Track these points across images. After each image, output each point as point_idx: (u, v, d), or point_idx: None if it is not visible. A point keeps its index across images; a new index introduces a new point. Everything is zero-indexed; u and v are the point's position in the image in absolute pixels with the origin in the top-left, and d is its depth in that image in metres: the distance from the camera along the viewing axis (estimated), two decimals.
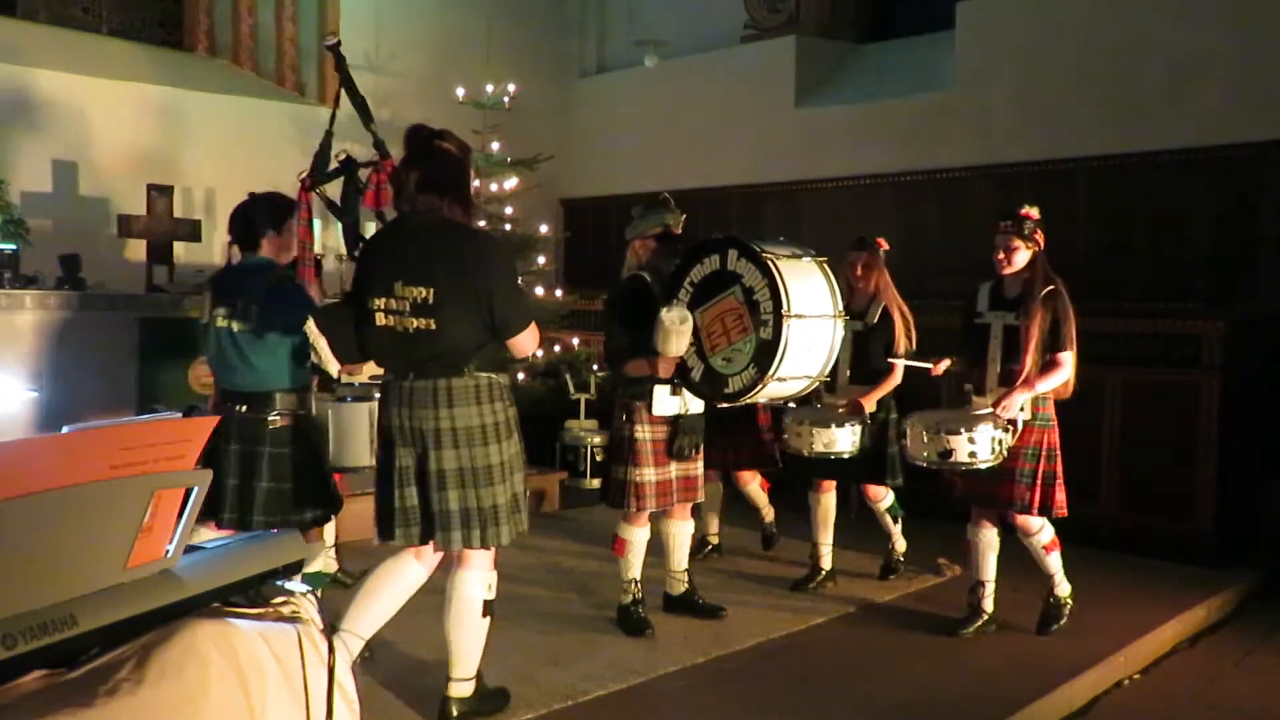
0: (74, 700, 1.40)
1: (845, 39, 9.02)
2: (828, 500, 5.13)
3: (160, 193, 6.88)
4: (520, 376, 7.78)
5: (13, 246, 5.86)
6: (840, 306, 4.11)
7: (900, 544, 5.27)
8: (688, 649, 4.18)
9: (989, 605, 4.51)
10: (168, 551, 1.60)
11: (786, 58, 8.68)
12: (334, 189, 4.56)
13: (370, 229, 4.40)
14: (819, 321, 4.02)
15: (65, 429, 1.44)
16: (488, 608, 3.36)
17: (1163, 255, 6.56)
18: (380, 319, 3.17)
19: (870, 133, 8.12)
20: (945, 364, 4.71)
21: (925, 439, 4.26)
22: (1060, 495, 4.30)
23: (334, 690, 1.77)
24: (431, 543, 3.27)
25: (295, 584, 1.81)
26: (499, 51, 8.77)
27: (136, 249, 6.92)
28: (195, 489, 1.60)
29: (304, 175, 4.41)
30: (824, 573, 5.12)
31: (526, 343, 3.25)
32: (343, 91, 4.68)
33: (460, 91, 8.02)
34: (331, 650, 1.79)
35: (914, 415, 4.40)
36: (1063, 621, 4.50)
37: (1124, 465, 5.84)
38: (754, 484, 5.66)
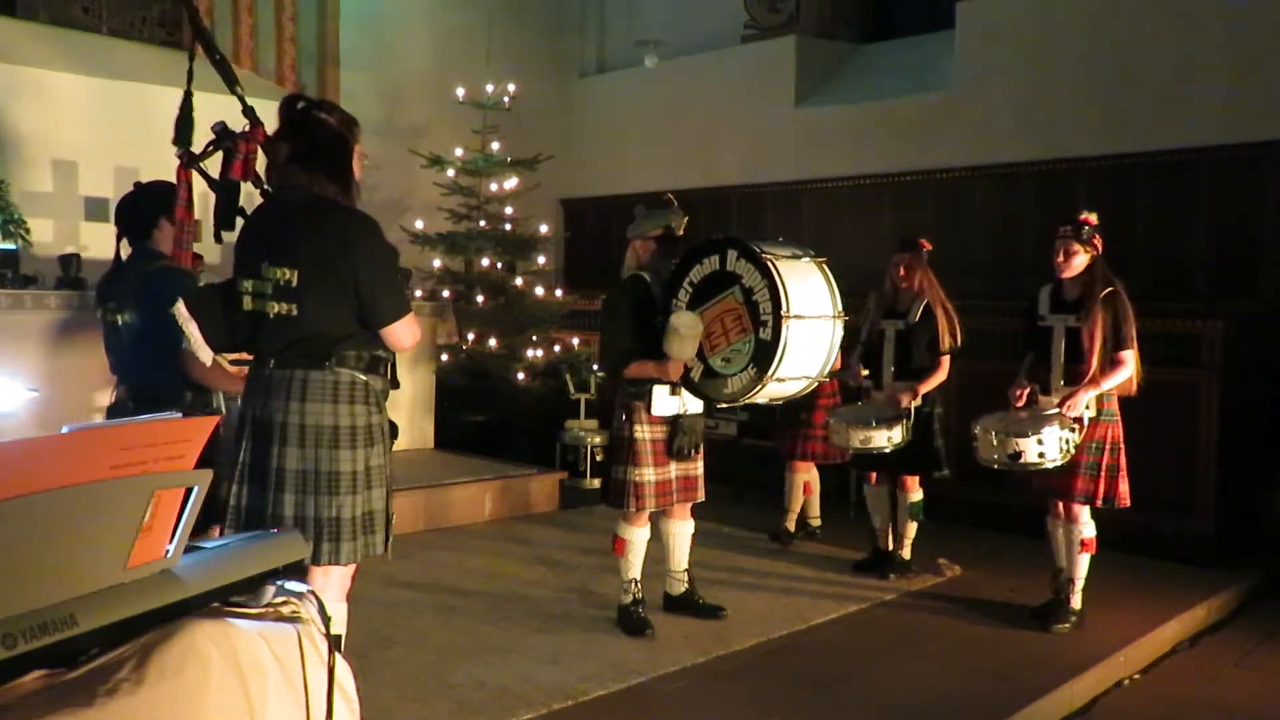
0: (74, 700, 1.40)
1: (845, 39, 9.02)
2: (875, 492, 5.31)
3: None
4: (520, 376, 7.79)
5: (13, 246, 5.85)
6: (840, 307, 4.11)
7: (906, 551, 5.28)
8: (688, 649, 4.18)
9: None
10: (168, 551, 1.60)
11: (786, 58, 8.68)
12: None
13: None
14: (818, 322, 4.03)
15: (65, 429, 1.43)
16: (335, 644, 2.93)
17: (1163, 255, 6.56)
18: (247, 302, 2.91)
19: (870, 133, 8.12)
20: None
21: (995, 442, 4.37)
22: (1123, 487, 4.43)
23: (334, 690, 1.77)
24: None
25: (295, 584, 1.81)
26: (499, 51, 8.76)
27: None
28: (195, 489, 1.61)
29: (181, 152, 3.98)
30: (888, 558, 5.28)
31: (403, 334, 2.92)
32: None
33: (460, 91, 8.03)
34: (331, 650, 1.79)
35: (983, 419, 4.49)
36: (1065, 627, 4.51)
37: None
38: (805, 478, 5.81)
